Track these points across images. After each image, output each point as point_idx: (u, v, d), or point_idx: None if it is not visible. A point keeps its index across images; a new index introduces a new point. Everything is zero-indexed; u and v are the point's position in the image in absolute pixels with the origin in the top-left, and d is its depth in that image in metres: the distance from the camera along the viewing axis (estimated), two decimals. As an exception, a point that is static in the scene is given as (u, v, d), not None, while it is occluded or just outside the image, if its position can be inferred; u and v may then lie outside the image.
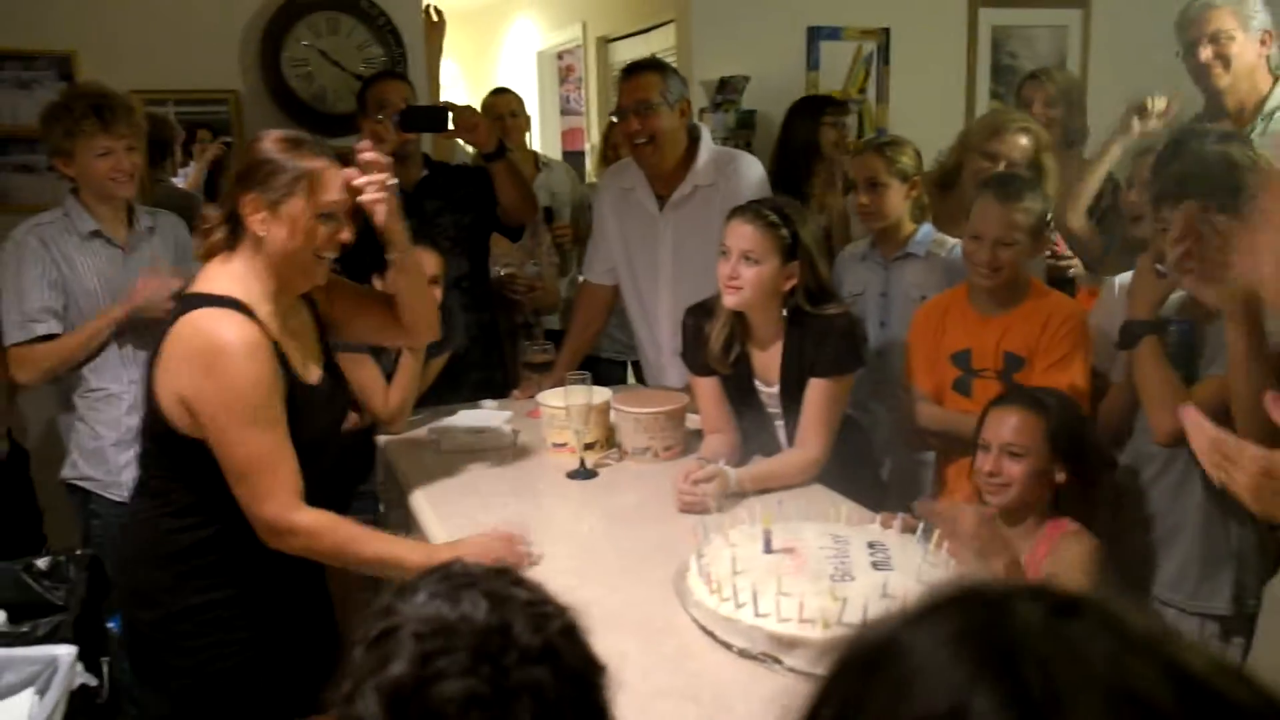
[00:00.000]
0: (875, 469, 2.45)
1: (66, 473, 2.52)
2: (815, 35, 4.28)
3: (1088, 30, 4.84)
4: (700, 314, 2.24)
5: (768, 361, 2.20)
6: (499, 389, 2.80)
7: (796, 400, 2.15)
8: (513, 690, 0.69)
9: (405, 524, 2.11)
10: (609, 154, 3.83)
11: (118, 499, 2.48)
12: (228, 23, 3.38)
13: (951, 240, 2.59)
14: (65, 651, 1.69)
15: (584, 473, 2.20)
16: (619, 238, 2.77)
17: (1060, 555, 1.71)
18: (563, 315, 3.52)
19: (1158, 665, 0.40)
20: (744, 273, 2.04)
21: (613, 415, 2.34)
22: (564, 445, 2.32)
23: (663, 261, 2.67)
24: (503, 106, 3.86)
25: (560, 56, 5.98)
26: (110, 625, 2.13)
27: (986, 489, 1.78)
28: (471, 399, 2.65)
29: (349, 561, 1.70)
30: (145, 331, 2.48)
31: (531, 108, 5.72)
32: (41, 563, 2.15)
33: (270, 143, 1.64)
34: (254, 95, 3.43)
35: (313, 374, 1.74)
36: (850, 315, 2.16)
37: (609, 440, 2.34)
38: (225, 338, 1.57)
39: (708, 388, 2.25)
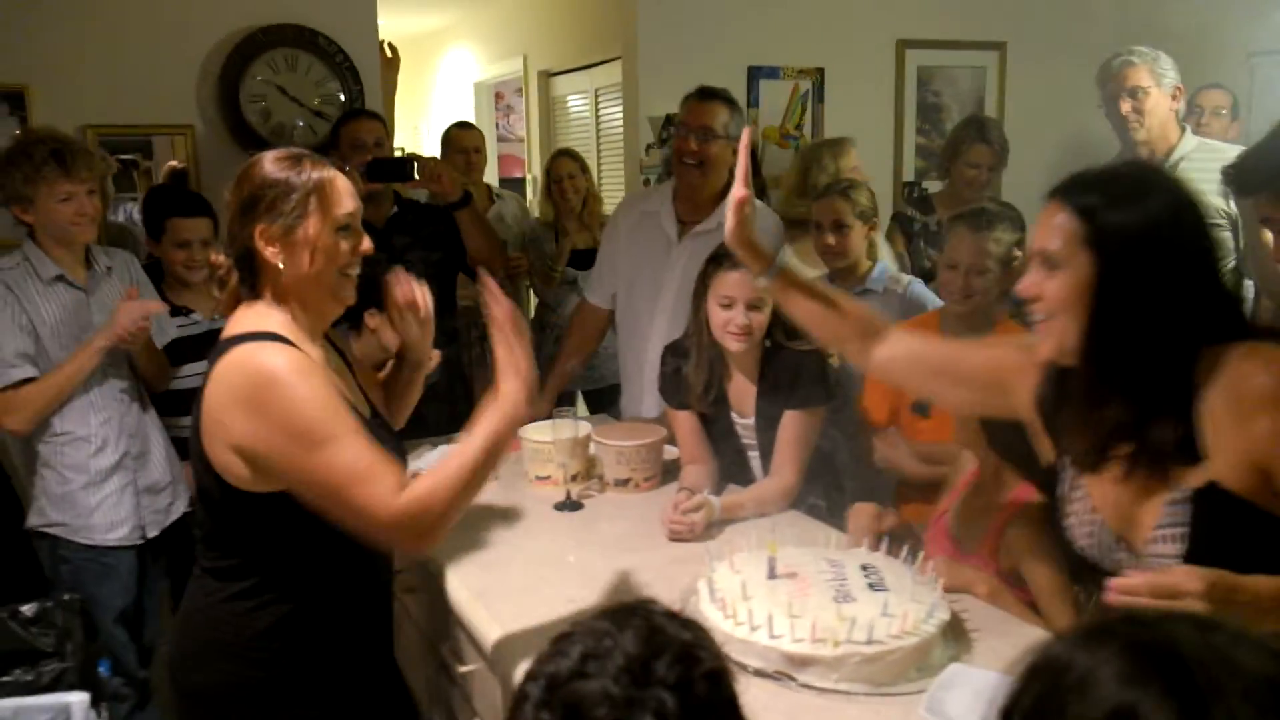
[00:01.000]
0: (841, 492, 2.59)
1: (33, 520, 2.48)
2: (755, 74, 4.47)
3: (1003, 71, 5.15)
4: (679, 354, 2.36)
5: (743, 395, 2.32)
6: (463, 422, 2.86)
7: (770, 431, 2.28)
8: (640, 701, 0.80)
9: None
10: (552, 188, 3.94)
11: (87, 542, 2.47)
12: (184, 58, 3.38)
13: (907, 277, 2.76)
14: (78, 699, 1.71)
15: (571, 504, 2.29)
16: (628, 258, 2.84)
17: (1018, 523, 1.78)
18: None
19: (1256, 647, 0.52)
20: (754, 319, 2.16)
21: (593, 448, 2.43)
22: (547, 478, 2.40)
23: (667, 288, 2.75)
24: (468, 141, 3.94)
25: (498, 87, 6.06)
26: (100, 670, 2.14)
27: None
28: (438, 433, 2.69)
29: (476, 479, 1.47)
30: (112, 370, 2.49)
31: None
32: (27, 609, 2.15)
33: (269, 164, 1.49)
34: (211, 130, 3.44)
35: (365, 410, 1.64)
36: (819, 352, 2.29)
37: (589, 472, 2.43)
38: (271, 364, 1.43)
39: (686, 421, 2.37)
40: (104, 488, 2.49)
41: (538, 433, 2.41)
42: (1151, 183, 1.32)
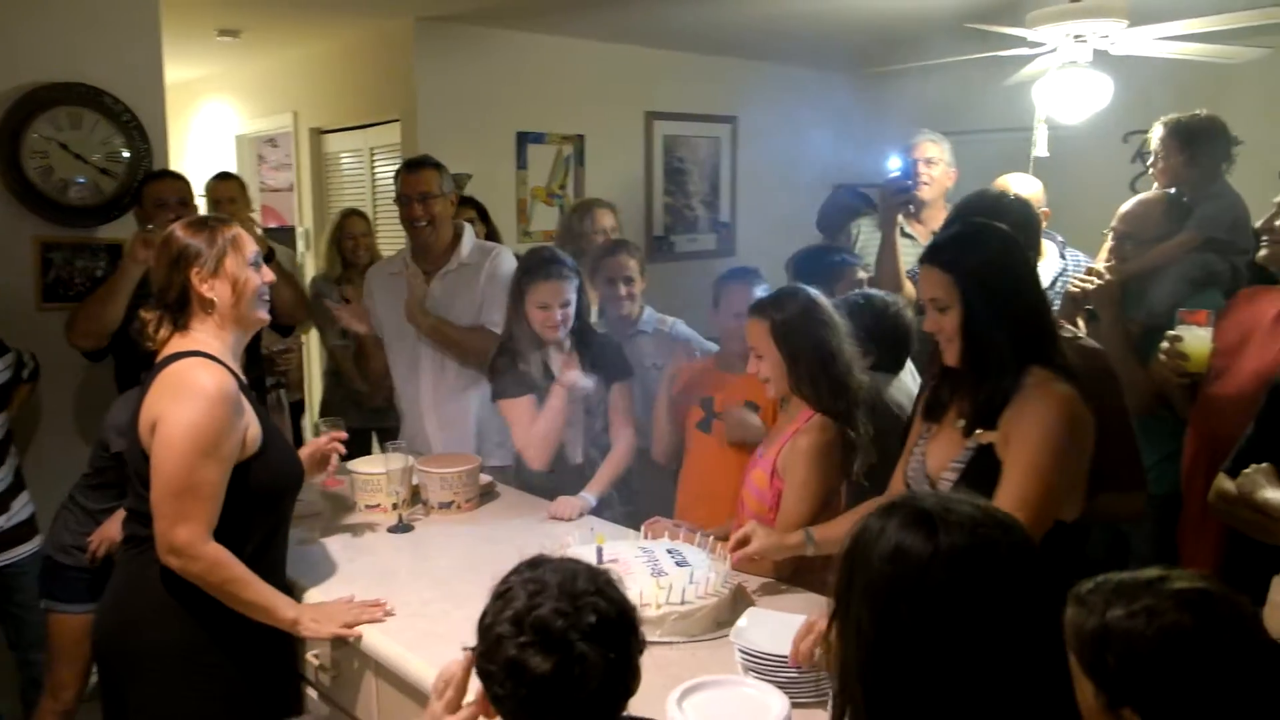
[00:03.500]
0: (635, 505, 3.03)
1: None
2: (523, 139, 4.92)
3: (735, 142, 5.91)
4: (507, 353, 2.83)
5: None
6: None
7: (595, 401, 2.80)
8: (581, 607, 1.16)
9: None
10: (343, 244, 4.17)
11: None
12: (-41, 114, 3.33)
13: (671, 319, 3.27)
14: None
15: (403, 527, 2.57)
16: (390, 312, 3.21)
17: (795, 443, 2.22)
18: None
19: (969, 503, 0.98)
20: (567, 314, 2.74)
21: (416, 476, 2.72)
22: (376, 506, 2.67)
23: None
24: (223, 192, 4.06)
25: (264, 141, 6.13)
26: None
27: (764, 390, 2.35)
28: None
29: (229, 595, 1.86)
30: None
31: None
32: None
33: (185, 234, 1.92)
34: (-10, 186, 3.39)
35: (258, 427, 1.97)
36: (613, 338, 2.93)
37: (413, 498, 2.72)
38: (202, 379, 1.83)
39: (526, 409, 2.78)
40: None
41: (367, 465, 2.68)
42: (986, 235, 1.90)
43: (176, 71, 5.72)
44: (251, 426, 1.91)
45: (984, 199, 2.53)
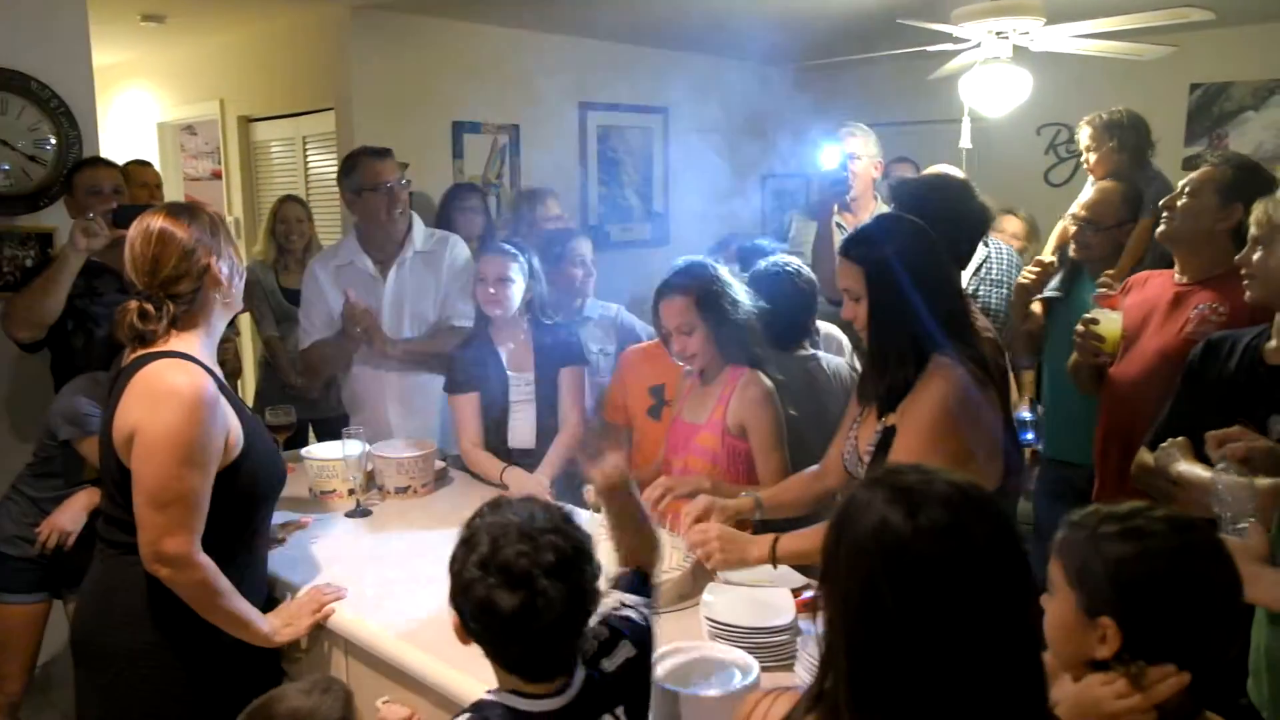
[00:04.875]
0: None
1: None
2: (459, 128, 4.91)
3: (667, 132, 5.99)
4: (467, 342, 2.89)
5: (516, 356, 2.87)
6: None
7: (546, 383, 2.85)
8: (540, 546, 1.24)
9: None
10: (278, 229, 4.13)
11: None
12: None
13: (615, 306, 3.34)
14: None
15: (361, 511, 2.59)
16: (340, 302, 3.13)
17: (745, 395, 2.37)
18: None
19: (947, 480, 1.05)
20: (504, 291, 2.77)
21: (371, 462, 2.74)
22: (332, 492, 2.68)
23: (386, 314, 3.12)
24: (150, 177, 4.01)
25: (187, 129, 5.99)
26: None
27: (690, 365, 2.45)
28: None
29: (213, 607, 1.83)
30: None
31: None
32: None
33: (184, 222, 1.83)
34: (-89, 174, 3.29)
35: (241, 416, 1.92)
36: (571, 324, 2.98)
37: (368, 484, 2.73)
38: (180, 383, 1.76)
39: (469, 404, 2.83)
40: None
41: (323, 451, 2.69)
42: (895, 229, 1.98)
43: (97, 56, 5.57)
44: (233, 428, 1.84)
45: (923, 183, 2.62)
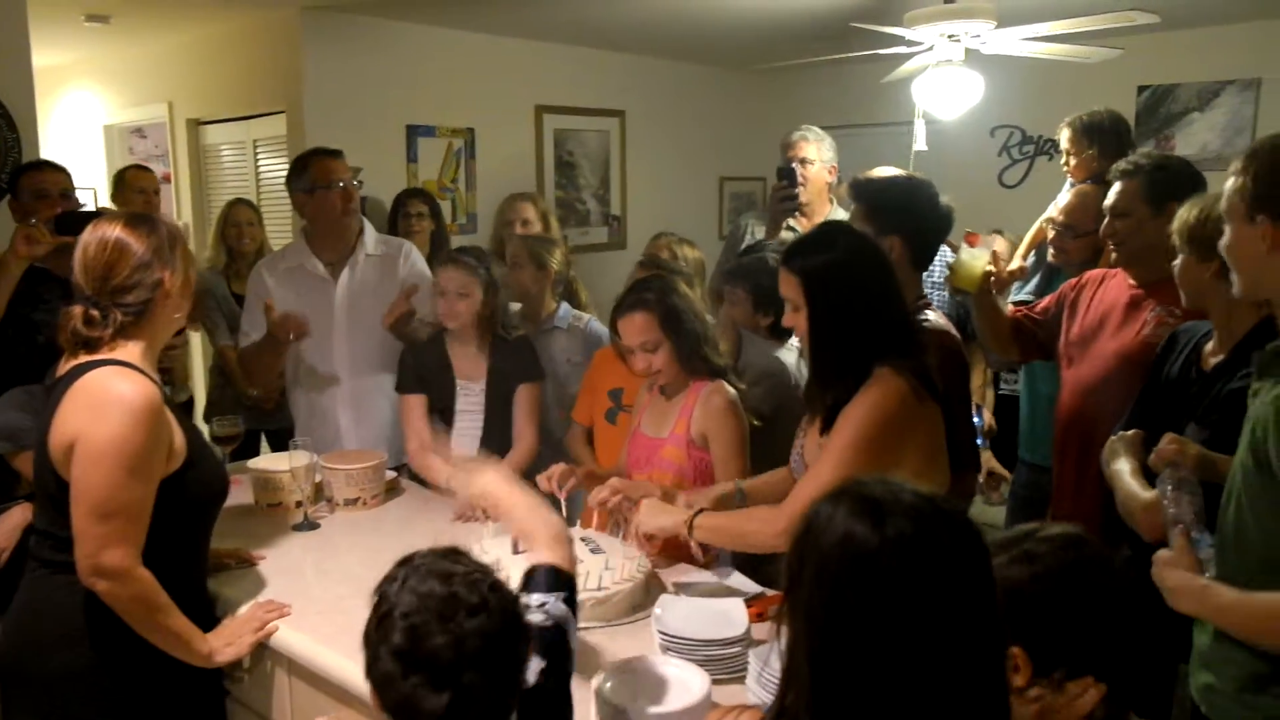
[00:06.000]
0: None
1: None
2: (413, 132, 4.86)
3: (624, 135, 5.97)
4: (415, 350, 2.87)
5: (468, 365, 2.84)
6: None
7: (497, 392, 2.82)
8: (467, 634, 1.13)
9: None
10: (229, 232, 4.06)
11: None
12: None
13: (586, 315, 3.30)
14: None
15: (308, 524, 2.53)
16: (294, 308, 3.01)
17: (708, 405, 2.35)
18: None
19: (914, 491, 1.03)
20: (463, 305, 2.75)
21: (320, 473, 2.68)
22: (278, 504, 2.62)
23: (338, 316, 3.07)
24: (148, 183, 3.94)
25: (135, 131, 5.87)
26: None
27: (652, 379, 2.42)
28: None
29: (152, 624, 1.78)
30: None
31: (99, 180, 5.60)
32: None
33: (140, 241, 1.78)
34: None
35: (182, 435, 1.87)
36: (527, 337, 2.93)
37: (316, 496, 2.68)
38: (124, 391, 1.71)
39: (418, 405, 2.82)
40: None
41: (269, 463, 2.63)
42: (834, 237, 1.94)
43: (39, 57, 5.44)
44: (176, 437, 1.81)
45: (886, 181, 2.59)
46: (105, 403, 1.71)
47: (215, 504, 1.97)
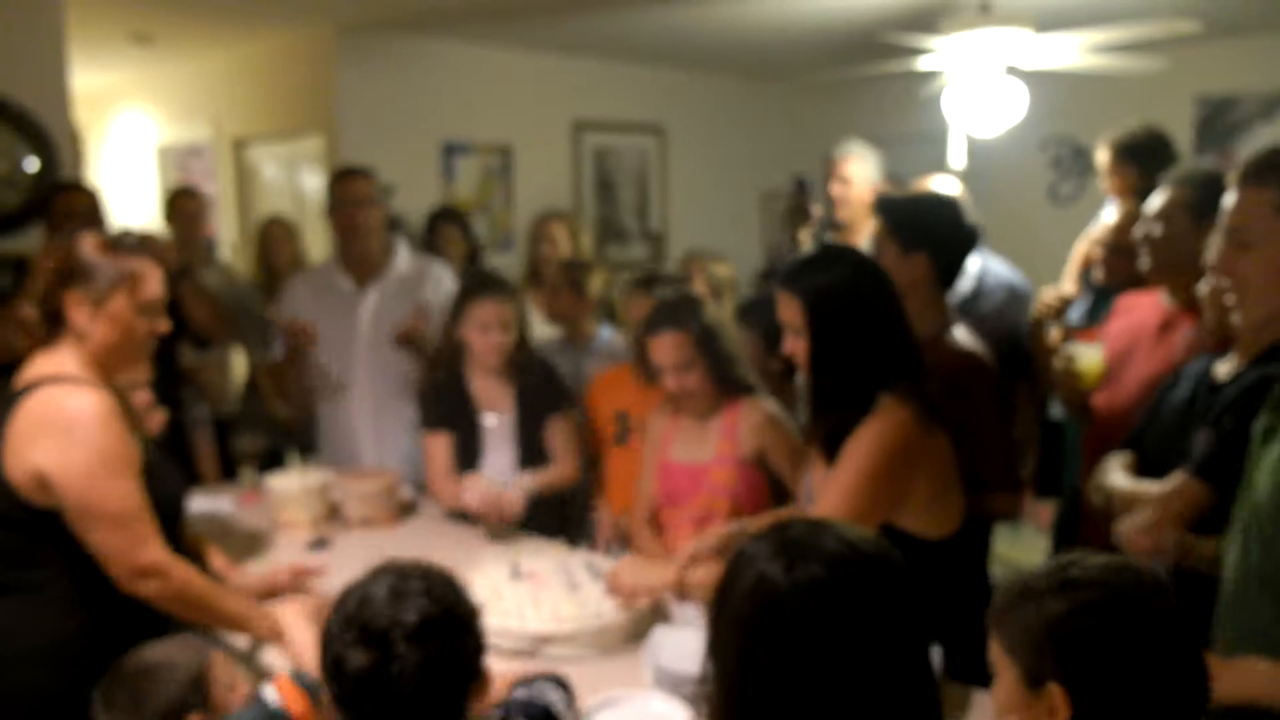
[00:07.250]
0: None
1: None
2: (449, 150, 4.87)
3: (664, 151, 5.93)
4: (439, 378, 2.74)
5: (493, 397, 2.71)
6: (191, 479, 2.99)
7: (529, 425, 2.70)
8: (406, 607, 1.17)
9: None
10: (264, 249, 4.10)
11: None
12: None
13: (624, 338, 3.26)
14: None
15: (319, 542, 2.52)
16: (321, 325, 3.02)
17: (754, 420, 2.27)
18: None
19: (840, 535, 0.97)
20: (507, 339, 2.63)
21: (336, 491, 2.67)
22: (291, 521, 2.61)
23: (362, 333, 3.04)
24: (192, 207, 4.00)
25: (185, 151, 5.99)
26: None
27: (686, 401, 2.31)
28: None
29: (206, 611, 1.77)
30: None
31: (153, 200, 5.71)
32: None
33: (90, 248, 1.74)
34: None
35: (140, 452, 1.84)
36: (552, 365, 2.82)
37: (331, 514, 2.67)
38: (78, 404, 1.69)
39: (442, 445, 2.69)
40: None
41: (283, 480, 2.63)
42: (836, 259, 1.85)
43: (88, 78, 5.60)
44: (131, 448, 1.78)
45: (909, 200, 2.51)
46: (62, 426, 1.68)
47: (173, 514, 1.90)
